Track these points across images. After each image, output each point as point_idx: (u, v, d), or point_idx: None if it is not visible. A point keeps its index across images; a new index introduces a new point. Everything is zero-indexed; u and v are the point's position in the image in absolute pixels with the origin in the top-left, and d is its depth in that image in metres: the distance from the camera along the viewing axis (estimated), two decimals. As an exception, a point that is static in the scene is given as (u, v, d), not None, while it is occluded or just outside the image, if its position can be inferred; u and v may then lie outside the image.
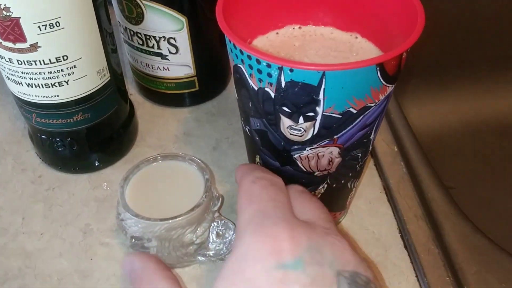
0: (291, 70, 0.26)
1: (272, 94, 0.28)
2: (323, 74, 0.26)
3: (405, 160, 0.42)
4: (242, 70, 0.29)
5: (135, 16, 0.41)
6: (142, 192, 0.35)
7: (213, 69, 0.46)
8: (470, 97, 0.70)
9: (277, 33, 0.36)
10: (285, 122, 0.29)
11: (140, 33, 0.42)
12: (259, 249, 0.24)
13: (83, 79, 0.36)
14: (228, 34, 0.28)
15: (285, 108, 0.28)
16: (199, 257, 0.35)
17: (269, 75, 0.27)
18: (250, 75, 0.28)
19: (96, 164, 0.42)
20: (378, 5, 0.32)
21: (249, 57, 0.27)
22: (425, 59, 0.66)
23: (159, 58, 0.43)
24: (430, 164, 0.42)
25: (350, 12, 0.34)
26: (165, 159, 0.37)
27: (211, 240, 0.35)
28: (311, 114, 0.28)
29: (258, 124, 0.31)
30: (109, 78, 0.38)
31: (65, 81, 0.35)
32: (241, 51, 0.28)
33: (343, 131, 0.29)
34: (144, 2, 0.39)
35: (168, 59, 0.43)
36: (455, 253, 0.37)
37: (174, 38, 0.41)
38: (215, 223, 0.36)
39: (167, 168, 0.37)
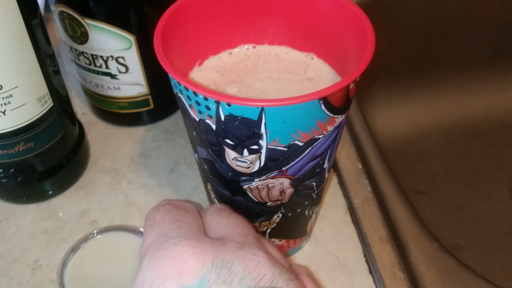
0: (228, 104, 0.24)
1: (213, 126, 0.26)
2: (262, 109, 0.24)
3: (370, 178, 0.40)
4: (182, 100, 0.27)
5: (79, 35, 0.38)
6: (82, 277, 0.32)
7: (168, 86, 0.44)
8: (442, 98, 0.69)
9: (230, 53, 0.34)
10: (230, 154, 0.27)
11: (86, 53, 0.39)
12: (157, 275, 0.21)
13: (22, 108, 0.34)
14: (164, 63, 0.26)
15: (228, 141, 0.26)
16: None
17: (208, 107, 0.25)
18: (190, 105, 0.26)
19: (45, 193, 0.40)
20: (332, 25, 0.31)
21: (186, 89, 0.25)
22: (395, 60, 0.65)
23: (108, 78, 0.41)
24: (396, 181, 0.40)
25: (306, 32, 0.32)
26: (103, 232, 0.34)
27: None
28: (255, 147, 0.26)
29: (205, 153, 0.29)
30: (52, 104, 0.36)
31: (1, 112, 0.33)
32: (178, 82, 0.26)
33: (291, 163, 0.27)
34: (87, 21, 0.37)
35: (118, 79, 0.41)
36: (421, 276, 0.35)
37: (122, 57, 0.39)
38: None
39: (107, 244, 0.34)
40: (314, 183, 0.30)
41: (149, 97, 0.43)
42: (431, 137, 0.67)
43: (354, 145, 0.43)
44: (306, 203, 0.32)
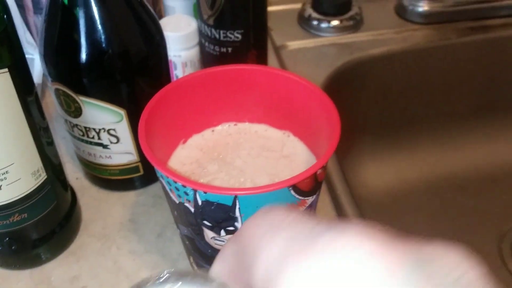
0: (205, 192, 0.26)
1: (192, 209, 0.28)
2: (236, 196, 0.26)
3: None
4: (163, 184, 0.29)
5: (74, 110, 0.41)
6: None
7: (158, 153, 0.46)
8: (427, 153, 0.71)
9: (212, 130, 0.36)
10: (208, 233, 0.29)
11: (80, 125, 0.42)
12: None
13: (17, 182, 0.36)
14: (147, 153, 0.28)
15: (205, 222, 0.28)
16: None
17: (186, 193, 0.27)
18: (170, 189, 0.28)
19: (38, 259, 0.41)
20: (304, 108, 0.33)
21: (166, 175, 0.27)
22: (382, 116, 0.67)
23: (100, 148, 0.43)
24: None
25: (283, 112, 0.35)
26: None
27: None
28: (231, 228, 0.28)
29: (186, 231, 0.31)
30: (46, 177, 0.38)
31: (-3, 186, 0.35)
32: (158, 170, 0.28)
33: (267, 241, 0.29)
34: (81, 97, 0.39)
35: (109, 148, 0.43)
36: None
37: (114, 129, 0.42)
38: None
39: None
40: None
41: (139, 164, 0.45)
42: (418, 192, 0.69)
43: (336, 210, 0.45)
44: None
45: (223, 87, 0.35)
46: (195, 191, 0.26)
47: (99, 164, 0.45)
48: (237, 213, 0.27)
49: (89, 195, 0.47)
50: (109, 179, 0.46)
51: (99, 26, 0.38)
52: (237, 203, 0.26)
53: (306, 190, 0.27)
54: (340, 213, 0.44)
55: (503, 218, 0.64)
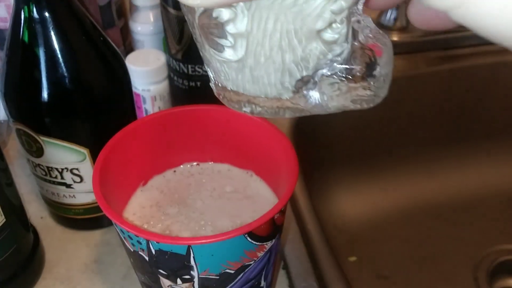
0: (157, 242, 0.25)
1: (146, 258, 0.27)
2: (189, 246, 0.25)
3: (319, 279, 0.41)
4: (118, 232, 0.28)
5: (35, 150, 0.40)
6: None
7: (125, 190, 0.46)
8: (402, 181, 0.71)
9: (174, 171, 0.36)
10: (165, 282, 0.28)
11: (42, 165, 0.41)
12: None
13: (-28, 227, 0.35)
14: (100, 201, 0.27)
15: (161, 271, 0.27)
16: (325, 71, 0.18)
17: (139, 242, 0.26)
18: (124, 238, 0.27)
19: (-3, 304, 0.40)
20: (266, 149, 0.33)
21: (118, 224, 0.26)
22: (353, 146, 0.67)
23: (64, 187, 0.42)
24: (346, 281, 0.41)
25: (245, 150, 0.34)
26: None
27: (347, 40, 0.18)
28: (187, 276, 0.27)
29: (143, 278, 0.30)
30: (4, 220, 0.37)
31: (-50, 232, 0.34)
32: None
33: (226, 288, 0.28)
34: (42, 137, 0.39)
35: (73, 188, 0.42)
36: None
37: (77, 169, 0.41)
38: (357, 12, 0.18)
39: None
40: (252, 301, 0.31)
41: (105, 202, 0.44)
42: (393, 220, 0.69)
43: (305, 246, 0.44)
44: (248, 319, 0.33)
45: (184, 127, 0.34)
46: (147, 241, 0.25)
47: (63, 203, 0.44)
48: (192, 262, 0.26)
49: (53, 235, 0.46)
50: (74, 219, 0.45)
51: (60, 65, 0.37)
52: (192, 252, 0.25)
53: (264, 235, 0.27)
54: (309, 249, 0.44)
55: (477, 245, 0.64)
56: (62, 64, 0.38)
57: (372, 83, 0.19)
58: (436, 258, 0.65)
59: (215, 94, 0.21)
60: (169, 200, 0.33)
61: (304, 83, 0.17)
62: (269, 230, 0.27)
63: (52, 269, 0.43)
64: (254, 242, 0.26)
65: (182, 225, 0.31)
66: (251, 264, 0.28)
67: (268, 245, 0.28)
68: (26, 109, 0.39)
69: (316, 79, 0.17)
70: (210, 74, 0.20)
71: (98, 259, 0.44)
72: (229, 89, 0.19)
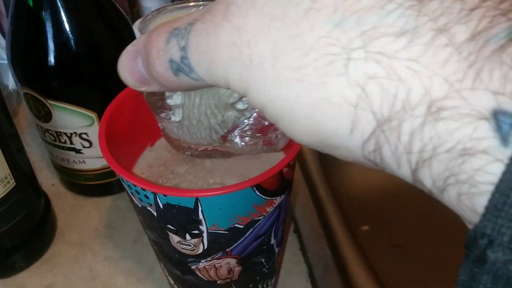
0: (164, 195, 0.25)
1: (154, 213, 0.27)
2: (197, 198, 0.25)
3: (331, 244, 0.41)
4: (125, 187, 0.28)
5: (43, 114, 0.40)
6: None
7: (134, 156, 0.45)
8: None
9: None
10: (174, 238, 0.28)
11: (51, 130, 0.41)
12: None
13: (-18, 189, 0.35)
14: (105, 155, 0.27)
15: (169, 226, 0.27)
16: (236, 135, 0.24)
17: (147, 197, 0.26)
18: (132, 193, 0.27)
19: (11, 269, 0.40)
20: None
21: (125, 179, 0.26)
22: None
23: (73, 153, 0.42)
24: (358, 248, 0.41)
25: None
26: None
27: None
28: (196, 231, 0.27)
29: (152, 236, 0.30)
30: (14, 184, 0.37)
31: (-39, 194, 0.34)
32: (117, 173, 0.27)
33: (235, 244, 0.28)
34: (50, 101, 0.38)
35: (82, 153, 0.42)
36: None
37: (86, 133, 0.41)
38: None
39: None
40: (263, 259, 0.31)
41: (115, 168, 0.44)
42: (407, 189, 0.68)
43: (317, 211, 0.44)
44: (258, 278, 0.32)
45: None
46: (155, 194, 0.25)
47: (73, 169, 0.43)
48: (201, 216, 0.26)
49: (65, 202, 0.46)
50: (84, 185, 0.45)
51: (66, 28, 0.37)
52: (199, 206, 0.25)
53: (272, 190, 0.26)
54: (321, 214, 0.43)
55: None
56: (68, 27, 0.37)
57: (272, 137, 0.24)
58: (450, 229, 0.64)
59: (164, 137, 0.26)
60: (177, 160, 0.33)
61: (226, 136, 0.23)
62: (277, 184, 0.27)
63: (64, 234, 0.43)
64: (263, 196, 0.26)
65: (191, 183, 0.31)
66: (260, 220, 0.27)
67: (277, 200, 0.27)
68: (33, 74, 0.39)
69: (235, 133, 0.23)
70: (159, 125, 0.25)
71: (109, 224, 0.44)
72: (173, 138, 0.24)
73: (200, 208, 0.25)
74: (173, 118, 0.23)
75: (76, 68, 0.38)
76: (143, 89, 0.19)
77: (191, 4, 0.27)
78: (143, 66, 0.19)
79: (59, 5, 0.36)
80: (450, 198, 0.13)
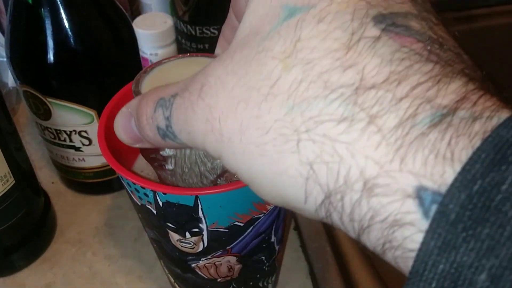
0: (164, 193, 0.25)
1: (154, 211, 0.27)
2: (197, 197, 0.24)
3: (331, 240, 0.41)
4: (125, 185, 0.28)
5: (43, 112, 0.39)
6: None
7: (134, 154, 0.45)
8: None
9: None
10: (174, 236, 0.28)
11: (50, 128, 0.40)
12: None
13: (-19, 188, 0.35)
14: (104, 153, 0.27)
15: (169, 224, 0.27)
16: (224, 180, 0.27)
17: (146, 195, 0.26)
18: (131, 191, 0.27)
19: (11, 267, 0.40)
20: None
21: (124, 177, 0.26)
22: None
23: (73, 150, 0.42)
24: (359, 243, 0.41)
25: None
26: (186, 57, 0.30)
27: None
28: (196, 230, 0.27)
29: (152, 234, 0.30)
30: (14, 182, 0.37)
31: (-40, 193, 0.34)
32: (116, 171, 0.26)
33: (235, 242, 0.28)
34: (49, 99, 0.38)
35: (82, 151, 0.42)
36: None
37: (85, 131, 0.40)
38: None
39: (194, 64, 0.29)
40: (263, 257, 0.31)
41: (115, 166, 0.44)
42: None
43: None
44: (258, 275, 0.32)
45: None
46: (154, 192, 0.25)
47: (73, 167, 0.43)
48: (200, 214, 0.25)
49: (65, 200, 0.46)
50: (84, 182, 0.45)
51: (66, 26, 0.37)
52: (199, 204, 0.25)
53: (273, 188, 0.26)
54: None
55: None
56: (67, 25, 0.37)
57: None
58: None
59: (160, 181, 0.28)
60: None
61: (216, 180, 0.26)
62: (278, 182, 0.26)
63: (64, 233, 0.43)
64: (263, 194, 0.26)
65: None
66: (260, 217, 0.27)
67: (277, 198, 0.27)
68: (32, 72, 0.38)
69: (223, 178, 0.25)
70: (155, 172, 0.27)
71: (109, 223, 0.44)
72: (168, 183, 0.27)
73: (200, 206, 0.25)
74: (166, 167, 0.26)
75: (75, 66, 0.38)
76: (136, 145, 0.22)
77: (179, 56, 0.29)
78: (135, 127, 0.21)
79: (58, 3, 0.36)
80: (389, 260, 0.15)
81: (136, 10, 0.56)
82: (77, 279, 0.40)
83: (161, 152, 0.26)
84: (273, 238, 0.30)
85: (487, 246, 0.12)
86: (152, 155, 0.26)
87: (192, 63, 0.28)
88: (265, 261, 0.31)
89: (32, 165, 0.41)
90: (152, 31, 0.50)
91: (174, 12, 0.49)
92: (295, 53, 0.16)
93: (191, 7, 0.47)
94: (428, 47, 0.15)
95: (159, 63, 0.28)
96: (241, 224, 0.27)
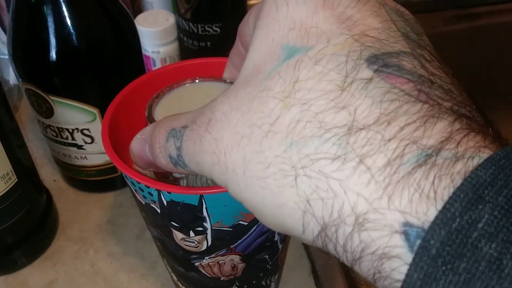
0: (169, 192, 0.25)
1: (158, 210, 0.27)
2: (202, 196, 0.24)
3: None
4: (129, 184, 0.28)
5: (45, 110, 0.39)
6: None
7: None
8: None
9: None
10: (177, 234, 0.28)
11: (52, 126, 0.40)
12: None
13: (-16, 186, 0.35)
14: (109, 152, 0.27)
15: (173, 223, 0.27)
16: None
17: (150, 194, 0.26)
18: (135, 190, 0.27)
19: (13, 265, 0.40)
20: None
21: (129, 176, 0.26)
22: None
23: (75, 148, 0.42)
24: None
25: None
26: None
27: None
28: (200, 228, 0.27)
29: (155, 232, 0.30)
30: (16, 180, 0.37)
31: (-37, 191, 0.34)
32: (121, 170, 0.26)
33: (239, 241, 0.28)
34: (51, 97, 0.38)
35: (84, 149, 0.42)
36: None
37: (88, 129, 0.40)
38: None
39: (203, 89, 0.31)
40: (267, 256, 0.31)
41: (117, 164, 0.44)
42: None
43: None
44: (261, 274, 0.32)
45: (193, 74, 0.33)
46: (159, 191, 0.25)
47: (75, 165, 0.43)
48: (205, 213, 0.25)
49: (67, 198, 0.46)
50: (86, 180, 0.45)
51: (68, 23, 0.37)
52: (204, 203, 0.25)
53: (277, 187, 0.26)
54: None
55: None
56: (70, 23, 0.37)
57: None
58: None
59: None
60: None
61: None
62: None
63: (66, 230, 0.43)
64: (268, 193, 0.26)
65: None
66: (264, 217, 0.27)
67: (281, 197, 0.27)
68: (34, 69, 0.38)
69: None
70: None
71: (111, 220, 0.44)
72: None
73: (204, 206, 0.25)
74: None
75: (78, 64, 0.38)
76: (151, 169, 0.24)
77: (189, 81, 0.30)
78: (149, 154, 0.23)
79: (61, 0, 0.36)
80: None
81: (138, 8, 0.56)
82: (79, 277, 0.40)
83: (173, 174, 0.27)
84: (276, 237, 0.30)
85: (464, 279, 0.13)
86: (165, 175, 0.27)
87: (201, 89, 0.30)
88: (269, 260, 0.31)
89: (34, 162, 0.41)
90: (154, 29, 0.50)
91: (176, 9, 0.49)
92: (293, 93, 0.17)
93: (193, 4, 0.47)
94: (418, 87, 0.16)
95: (170, 88, 0.29)
96: (246, 223, 0.27)
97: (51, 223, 0.42)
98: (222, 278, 0.31)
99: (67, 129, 0.40)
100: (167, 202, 0.25)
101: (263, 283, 0.33)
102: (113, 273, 0.40)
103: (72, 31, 0.37)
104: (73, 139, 0.41)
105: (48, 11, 0.36)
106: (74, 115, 0.39)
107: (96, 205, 0.45)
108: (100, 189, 0.46)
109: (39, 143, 0.51)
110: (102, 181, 0.45)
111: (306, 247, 0.41)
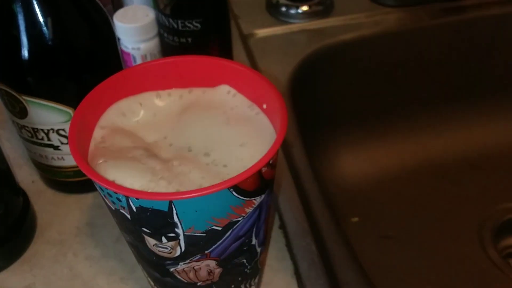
0: (137, 198, 0.24)
1: (128, 216, 0.26)
2: (171, 201, 0.24)
3: (317, 240, 0.40)
4: (97, 189, 0.27)
5: (19, 111, 0.38)
6: None
7: (116, 152, 0.44)
8: (406, 140, 0.69)
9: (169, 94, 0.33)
10: (150, 240, 0.27)
11: (27, 126, 0.39)
12: None
13: (-46, 190, 0.34)
14: (76, 157, 0.26)
15: (144, 229, 0.26)
16: None
17: (119, 199, 0.25)
18: (104, 196, 0.26)
19: (-12, 269, 0.39)
20: (256, 101, 0.31)
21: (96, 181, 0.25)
22: (357, 104, 0.65)
23: (51, 149, 0.41)
24: (345, 242, 0.40)
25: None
26: None
27: None
28: (172, 234, 0.26)
29: (128, 238, 0.29)
30: (-12, 182, 0.36)
31: None
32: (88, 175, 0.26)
33: (213, 246, 0.27)
34: (24, 97, 0.37)
35: (61, 150, 0.41)
36: None
37: (63, 129, 0.39)
38: None
39: None
40: (244, 260, 0.30)
41: (95, 164, 0.43)
42: (396, 179, 0.67)
43: (303, 205, 0.43)
44: (240, 278, 0.31)
45: (169, 78, 0.32)
46: (127, 197, 0.24)
47: (52, 166, 0.42)
48: (176, 219, 0.25)
49: (45, 199, 0.45)
50: (64, 181, 0.44)
51: (40, 20, 0.36)
52: (174, 208, 0.24)
53: (251, 190, 0.25)
54: (308, 209, 0.42)
55: (483, 204, 0.63)
56: (42, 20, 0.36)
57: None
58: (441, 218, 0.64)
59: None
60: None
61: None
62: (256, 185, 0.25)
63: (44, 233, 0.42)
64: (241, 197, 0.25)
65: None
66: (239, 221, 0.26)
67: (257, 200, 0.26)
68: (5, 68, 0.37)
69: None
70: None
71: (90, 222, 0.43)
72: None
73: (174, 211, 0.24)
74: None
75: (51, 63, 0.37)
76: None
77: None
78: None
79: (32, -4, 0.35)
80: None
81: (118, 3, 0.55)
82: (58, 280, 0.39)
83: None
84: (254, 241, 0.29)
85: None
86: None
87: None
88: (247, 264, 0.31)
89: (11, 163, 0.40)
90: (133, 25, 0.49)
91: (155, 5, 0.48)
92: None
93: (172, 0, 0.46)
94: None
95: None
96: (219, 228, 0.26)
97: (28, 225, 0.41)
98: (198, 284, 0.30)
99: (42, 130, 0.39)
100: (136, 208, 0.24)
101: (243, 286, 0.33)
102: (92, 276, 0.39)
103: (44, 29, 0.36)
104: (48, 139, 0.40)
105: (18, 8, 0.35)
106: (48, 115, 0.38)
107: (75, 206, 0.44)
108: (79, 190, 0.45)
109: (17, 143, 0.50)
110: (80, 182, 0.44)
111: (289, 248, 0.40)
